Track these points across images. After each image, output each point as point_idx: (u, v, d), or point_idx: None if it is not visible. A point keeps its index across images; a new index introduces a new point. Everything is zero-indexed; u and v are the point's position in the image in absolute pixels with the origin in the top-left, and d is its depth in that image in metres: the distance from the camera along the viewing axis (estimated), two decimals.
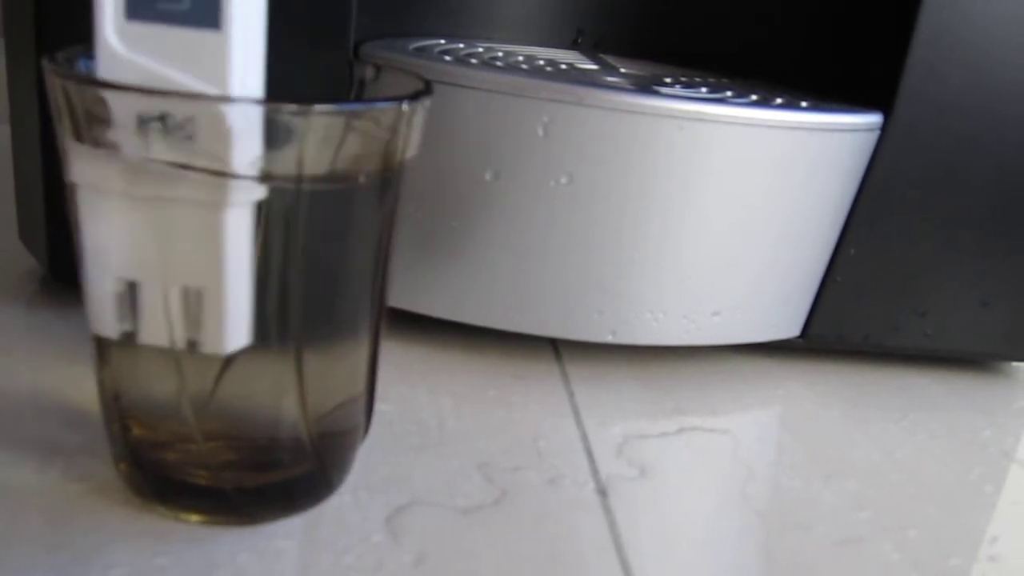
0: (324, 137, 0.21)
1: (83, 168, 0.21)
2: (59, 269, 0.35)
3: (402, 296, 0.35)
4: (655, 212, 0.33)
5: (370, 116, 0.21)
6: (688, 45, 0.44)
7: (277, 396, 0.24)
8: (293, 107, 0.20)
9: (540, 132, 0.32)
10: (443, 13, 0.41)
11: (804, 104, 0.36)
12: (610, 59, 0.42)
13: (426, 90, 0.23)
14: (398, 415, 0.32)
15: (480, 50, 0.38)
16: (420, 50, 0.36)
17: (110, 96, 0.20)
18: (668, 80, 0.38)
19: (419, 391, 0.34)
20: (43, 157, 0.34)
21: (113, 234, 0.22)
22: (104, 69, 0.20)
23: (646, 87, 0.34)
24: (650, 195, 0.33)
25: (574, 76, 0.34)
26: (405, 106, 0.22)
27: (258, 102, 0.20)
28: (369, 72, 0.27)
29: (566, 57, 0.41)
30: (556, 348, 0.39)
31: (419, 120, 0.23)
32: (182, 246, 0.21)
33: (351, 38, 0.32)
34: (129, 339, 0.22)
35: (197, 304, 0.21)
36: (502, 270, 0.34)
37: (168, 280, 0.21)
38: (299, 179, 0.21)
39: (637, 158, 0.32)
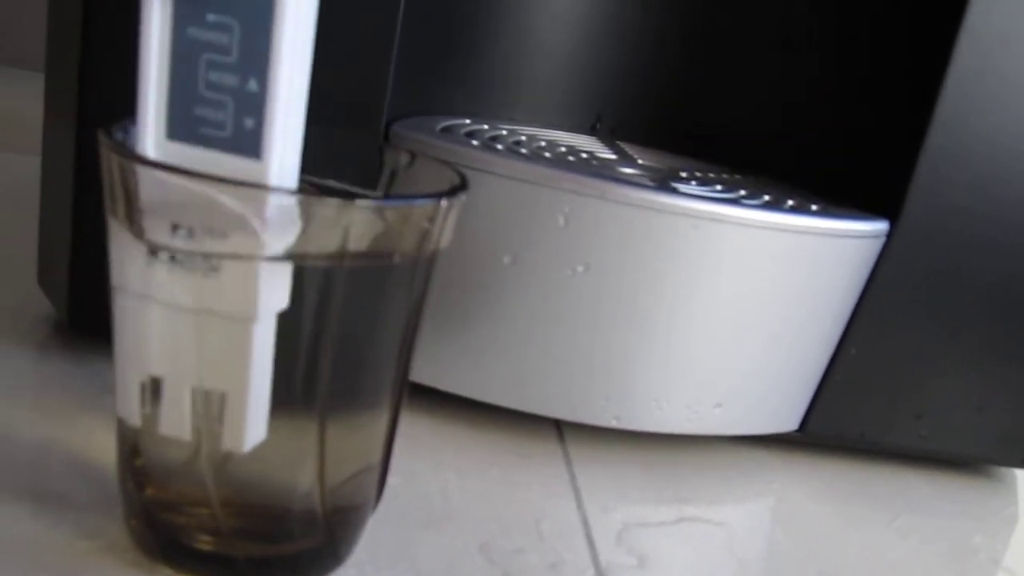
0: (364, 227, 0.22)
1: (125, 272, 0.22)
2: (78, 318, 0.36)
3: (412, 368, 0.36)
4: (665, 305, 0.34)
5: (409, 210, 0.22)
6: (702, 136, 0.46)
7: (296, 464, 0.25)
8: (335, 201, 0.21)
9: (561, 221, 0.33)
10: (469, 94, 0.42)
11: (814, 208, 0.37)
12: (627, 147, 0.44)
13: (462, 185, 0.24)
14: (404, 488, 0.32)
15: (504, 133, 0.39)
16: (447, 131, 0.37)
17: (151, 181, 0.21)
18: (684, 175, 0.39)
19: (425, 464, 0.34)
20: (73, 205, 0.35)
21: (147, 336, 0.23)
22: (143, 183, 0.21)
23: (664, 183, 0.35)
24: (661, 288, 0.34)
25: (596, 169, 0.35)
26: (444, 203, 0.23)
27: (303, 194, 0.21)
28: (403, 159, 0.28)
29: (585, 144, 0.42)
30: (559, 428, 0.40)
31: (455, 213, 0.24)
32: (212, 354, 0.22)
33: (384, 119, 0.34)
34: (150, 426, 0.23)
35: (220, 403, 0.22)
36: (513, 350, 0.35)
37: (195, 383, 0.22)
38: (337, 261, 0.22)
39: (652, 252, 0.33)
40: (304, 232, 0.21)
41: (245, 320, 0.21)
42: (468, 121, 0.40)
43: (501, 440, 0.37)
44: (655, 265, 0.33)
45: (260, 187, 0.20)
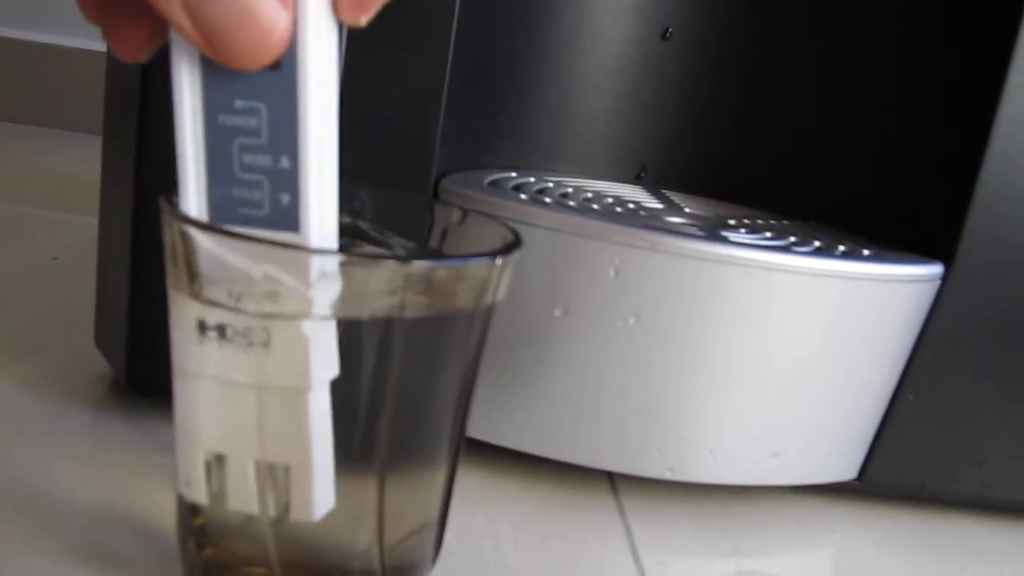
0: (420, 286, 0.22)
1: (182, 353, 0.23)
2: (137, 378, 0.36)
3: None
4: (719, 354, 0.34)
5: (464, 269, 0.23)
6: (749, 182, 0.46)
7: (355, 522, 0.25)
8: (391, 263, 0.21)
9: (612, 273, 0.33)
10: (515, 148, 0.42)
11: (866, 253, 0.36)
12: (672, 196, 0.44)
13: (516, 242, 0.24)
14: (458, 545, 0.32)
15: (550, 185, 0.40)
16: (495, 185, 0.37)
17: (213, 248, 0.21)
18: (732, 222, 0.39)
19: (478, 519, 0.34)
20: (131, 268, 0.35)
21: (206, 414, 0.23)
22: (202, 248, 0.22)
23: (714, 232, 0.35)
24: (714, 338, 0.33)
25: (646, 220, 0.35)
26: (499, 261, 0.23)
27: (364, 255, 0.21)
28: (455, 215, 0.28)
29: (631, 194, 0.42)
30: (612, 480, 0.39)
31: (510, 270, 0.24)
32: (271, 427, 0.23)
33: (433, 176, 0.34)
34: (218, 503, 0.24)
35: (285, 476, 0.23)
36: (565, 403, 0.35)
37: (259, 457, 0.23)
38: (394, 319, 0.22)
39: (704, 302, 0.33)
40: (361, 292, 0.21)
41: (300, 391, 0.22)
42: (514, 174, 0.41)
43: (553, 493, 0.37)
44: (707, 315, 0.33)
45: (312, 250, 0.21)
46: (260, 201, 0.21)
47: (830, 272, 0.34)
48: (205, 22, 0.19)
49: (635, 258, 0.32)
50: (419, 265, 0.22)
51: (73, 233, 0.64)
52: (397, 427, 0.24)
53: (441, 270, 0.22)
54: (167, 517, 0.28)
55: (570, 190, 0.39)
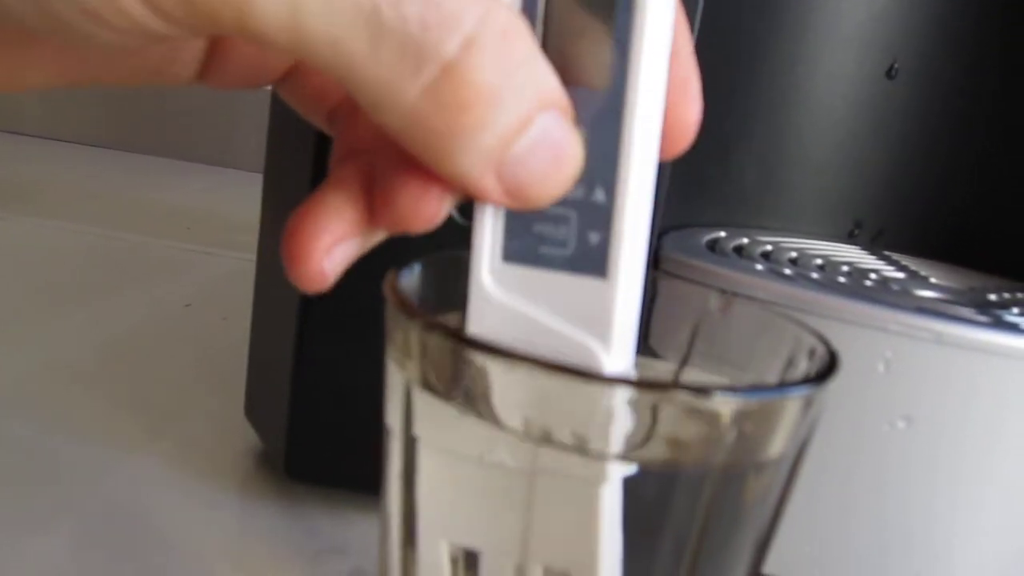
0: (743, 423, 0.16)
1: (426, 424, 0.19)
2: (300, 467, 0.32)
3: None
4: (1003, 467, 0.28)
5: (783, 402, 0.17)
6: (983, 245, 0.39)
7: None
8: (725, 397, 0.16)
9: (881, 368, 0.27)
10: (720, 200, 0.37)
11: None
12: (902, 259, 0.38)
13: (834, 359, 0.19)
14: None
15: (768, 247, 0.34)
16: (712, 247, 0.32)
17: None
18: (994, 298, 0.33)
19: None
20: (298, 342, 0.31)
21: (463, 501, 0.19)
22: (474, 309, 0.19)
23: (994, 315, 0.29)
24: (1000, 447, 0.27)
25: (916, 300, 0.29)
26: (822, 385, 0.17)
27: (662, 389, 0.16)
28: (714, 301, 0.23)
29: (857, 257, 0.36)
30: None
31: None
32: (548, 521, 0.18)
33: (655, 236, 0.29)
34: None
35: None
36: (818, 517, 0.29)
37: (527, 557, 0.18)
38: (705, 463, 0.17)
39: (990, 403, 0.27)
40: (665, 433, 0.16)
41: (591, 481, 0.18)
42: (723, 233, 0.35)
43: None
44: (991, 418, 0.27)
45: (623, 381, 0.16)
46: (564, 239, 0.18)
47: None
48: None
49: (912, 351, 0.26)
50: (755, 400, 0.16)
51: (205, 272, 0.61)
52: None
53: (760, 404, 0.17)
54: None
55: (794, 254, 0.34)
